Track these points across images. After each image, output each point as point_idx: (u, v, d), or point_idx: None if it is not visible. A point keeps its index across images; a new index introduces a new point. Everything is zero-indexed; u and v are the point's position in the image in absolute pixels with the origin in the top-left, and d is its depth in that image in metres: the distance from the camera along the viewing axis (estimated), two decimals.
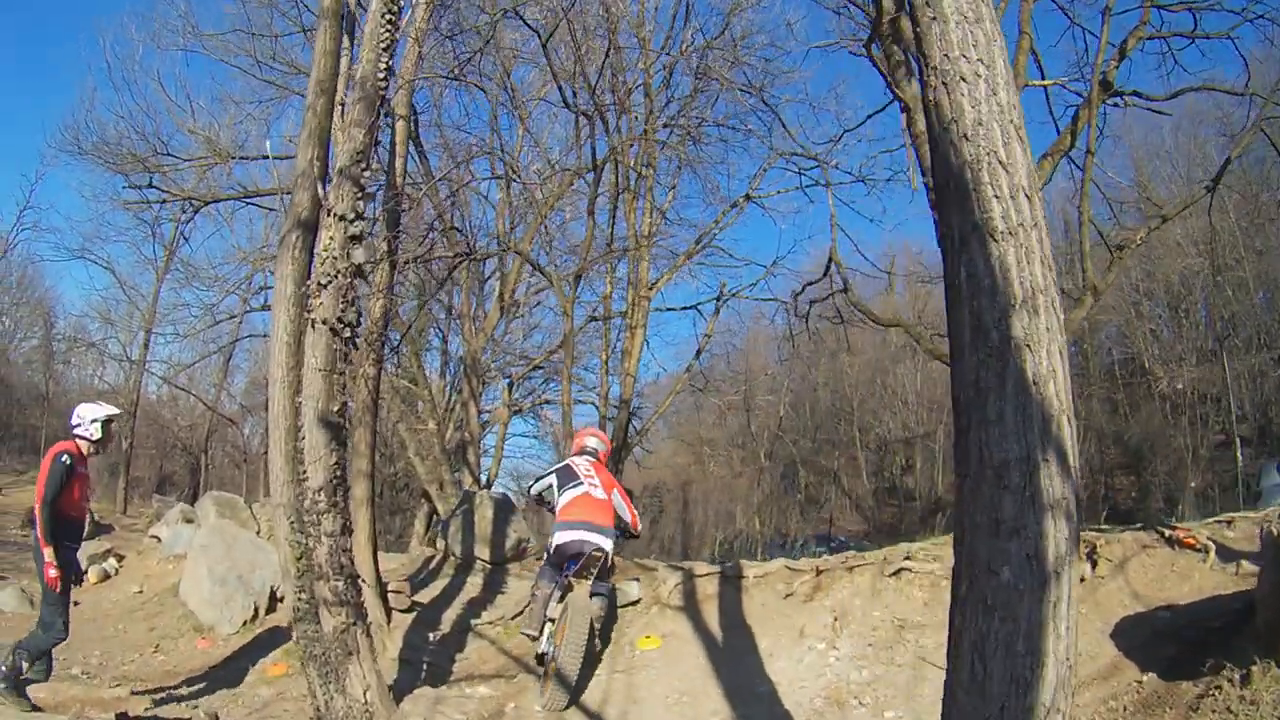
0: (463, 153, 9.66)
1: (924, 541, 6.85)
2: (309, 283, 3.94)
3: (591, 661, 4.95)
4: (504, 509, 8.11)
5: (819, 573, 5.65)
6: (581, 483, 5.08)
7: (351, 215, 3.89)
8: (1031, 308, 2.13)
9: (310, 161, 4.19)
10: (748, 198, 10.73)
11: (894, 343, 27.06)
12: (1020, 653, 2.00)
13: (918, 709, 4.13)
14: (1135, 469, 22.38)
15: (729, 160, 10.53)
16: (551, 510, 5.19)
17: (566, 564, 4.86)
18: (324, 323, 3.86)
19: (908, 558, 5.34)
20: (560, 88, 8.65)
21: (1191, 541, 4.86)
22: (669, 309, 11.94)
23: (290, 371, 4.15)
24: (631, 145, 9.59)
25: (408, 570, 7.81)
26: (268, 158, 10.42)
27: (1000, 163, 2.19)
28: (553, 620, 4.83)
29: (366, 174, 3.97)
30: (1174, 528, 5.06)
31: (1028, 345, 2.12)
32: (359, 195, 3.94)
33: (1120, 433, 21.98)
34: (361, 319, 4.07)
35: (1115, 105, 8.89)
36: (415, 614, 6.48)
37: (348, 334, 3.94)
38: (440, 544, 8.87)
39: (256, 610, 6.80)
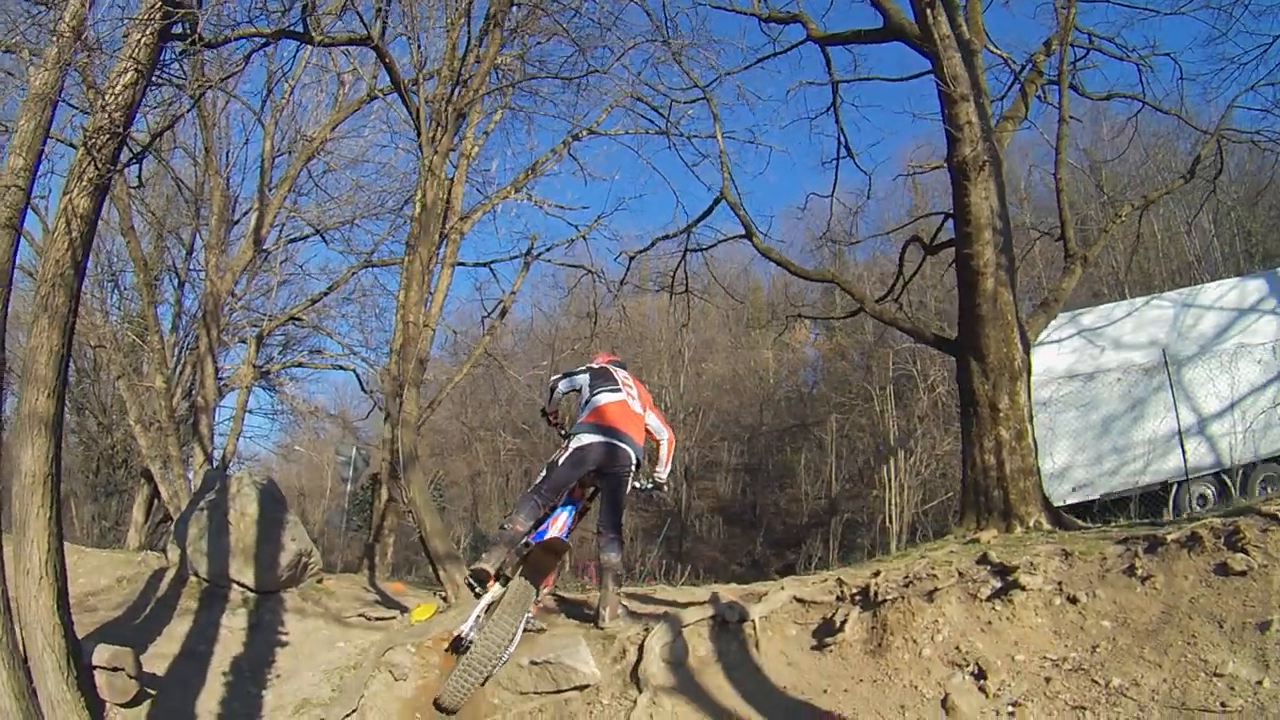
0: None
1: (945, 545, 5.56)
2: None
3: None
4: (272, 503, 5.57)
5: (872, 605, 4.00)
6: (619, 389, 4.32)
7: None
8: None
9: None
10: (591, 131, 8.89)
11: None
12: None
13: None
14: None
15: (570, 97, 8.65)
16: (558, 426, 4.57)
17: (578, 480, 4.14)
18: None
19: (1007, 572, 3.83)
20: None
21: None
22: (459, 263, 9.68)
23: None
24: None
25: (121, 597, 4.89)
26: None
27: None
28: (493, 602, 3.95)
29: None
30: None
31: None
32: None
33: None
34: None
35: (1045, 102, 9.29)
36: (147, 706, 3.81)
37: None
38: (173, 553, 5.75)
39: None
